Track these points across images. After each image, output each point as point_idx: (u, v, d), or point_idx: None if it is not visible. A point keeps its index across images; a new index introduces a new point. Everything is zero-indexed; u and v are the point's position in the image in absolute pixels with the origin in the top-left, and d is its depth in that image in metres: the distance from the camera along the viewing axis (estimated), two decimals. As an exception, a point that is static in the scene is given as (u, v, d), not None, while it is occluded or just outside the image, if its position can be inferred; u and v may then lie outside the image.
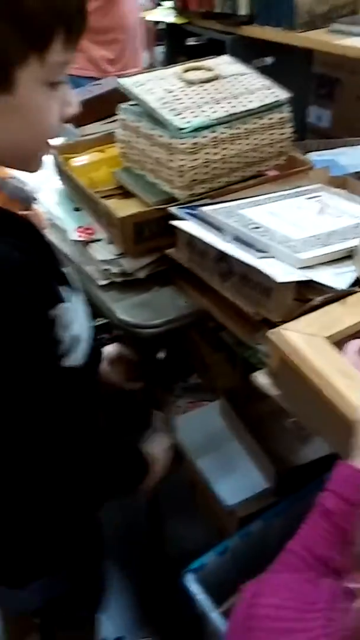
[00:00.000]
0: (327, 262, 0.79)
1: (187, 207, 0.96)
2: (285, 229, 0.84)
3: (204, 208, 0.91)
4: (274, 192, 0.98)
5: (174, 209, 0.94)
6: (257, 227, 0.84)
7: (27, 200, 0.62)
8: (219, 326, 1.54)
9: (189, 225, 0.90)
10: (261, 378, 0.74)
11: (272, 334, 0.70)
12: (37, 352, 0.63)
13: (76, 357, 0.70)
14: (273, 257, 0.79)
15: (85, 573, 0.95)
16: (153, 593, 1.41)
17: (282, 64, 1.52)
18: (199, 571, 1.07)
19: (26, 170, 0.67)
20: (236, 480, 1.28)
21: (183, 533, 1.52)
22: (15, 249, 0.60)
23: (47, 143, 0.65)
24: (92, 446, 0.78)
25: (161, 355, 1.72)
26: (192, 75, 1.07)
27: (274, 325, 0.75)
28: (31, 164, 0.66)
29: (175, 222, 0.93)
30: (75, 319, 0.70)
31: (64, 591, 0.91)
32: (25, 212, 0.64)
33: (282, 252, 0.78)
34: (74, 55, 0.60)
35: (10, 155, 0.63)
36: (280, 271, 0.75)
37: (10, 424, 0.64)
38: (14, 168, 0.67)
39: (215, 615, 1.01)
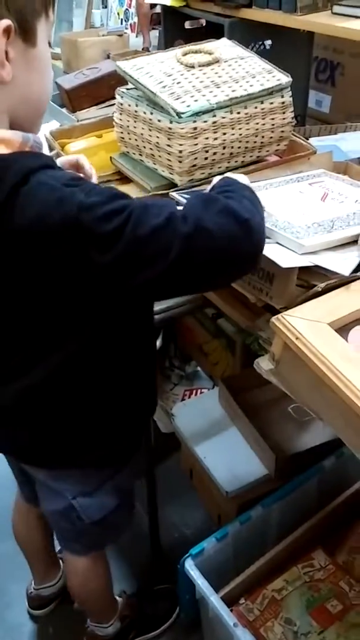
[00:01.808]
0: (331, 247, 0.79)
1: (188, 193, 0.95)
2: (288, 215, 0.83)
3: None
4: (276, 177, 0.97)
5: (174, 194, 0.93)
6: (259, 213, 0.83)
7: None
8: (217, 313, 1.55)
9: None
10: (264, 364, 0.74)
11: (275, 320, 0.70)
12: None
13: None
14: (276, 242, 0.78)
15: (132, 478, 1.02)
16: (151, 578, 1.42)
17: (281, 47, 1.51)
18: (199, 556, 1.08)
19: (31, 132, 0.68)
20: (235, 467, 1.29)
21: (181, 519, 1.53)
22: None
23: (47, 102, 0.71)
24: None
25: (158, 342, 1.72)
26: (192, 59, 1.06)
27: (276, 311, 0.75)
28: (37, 124, 0.70)
29: (173, 194, 0.92)
30: None
31: (123, 496, 0.98)
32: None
33: (285, 238, 0.78)
34: None
35: (27, 111, 0.66)
36: (284, 257, 0.74)
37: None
38: (22, 130, 0.68)
39: (214, 600, 1.02)
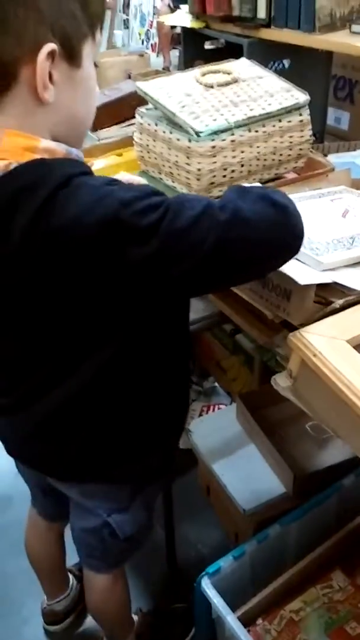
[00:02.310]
0: (350, 264, 0.78)
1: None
2: (308, 230, 0.83)
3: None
4: (295, 194, 0.97)
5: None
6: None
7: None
8: (235, 329, 1.55)
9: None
10: (281, 381, 0.74)
11: (293, 336, 0.70)
12: None
13: None
14: (295, 259, 0.78)
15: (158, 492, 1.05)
16: (168, 596, 1.41)
17: (300, 66, 1.52)
18: (215, 575, 1.07)
19: (75, 147, 0.69)
20: (253, 484, 1.28)
21: (197, 537, 1.52)
22: None
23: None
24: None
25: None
26: (211, 79, 1.07)
27: (294, 328, 0.75)
28: (79, 142, 0.71)
29: None
30: None
31: (150, 509, 1.00)
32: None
33: (304, 255, 0.78)
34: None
35: (69, 130, 0.67)
36: (302, 273, 0.74)
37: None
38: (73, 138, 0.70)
39: (231, 619, 1.01)
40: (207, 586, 1.05)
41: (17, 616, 1.41)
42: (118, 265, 0.59)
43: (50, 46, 0.59)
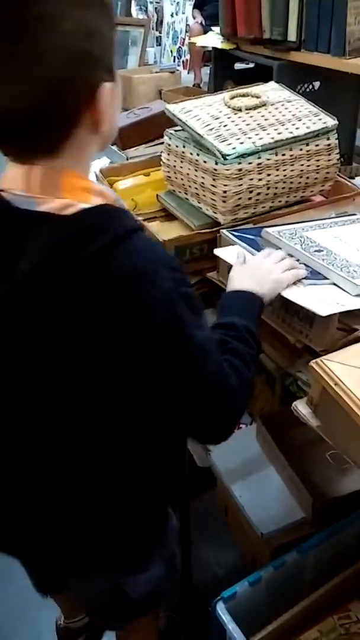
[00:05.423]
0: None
1: (240, 230, 0.95)
2: (347, 253, 0.82)
3: (269, 229, 0.89)
4: (337, 218, 0.96)
5: (225, 232, 0.94)
6: (319, 250, 0.83)
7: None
8: (257, 349, 1.54)
9: (229, 254, 0.89)
10: (302, 407, 0.73)
11: (315, 364, 0.69)
12: None
13: None
14: (332, 283, 0.78)
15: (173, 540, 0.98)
16: (182, 620, 1.39)
17: (329, 88, 1.52)
18: (231, 600, 1.05)
19: (104, 148, 0.70)
20: (271, 508, 1.26)
21: (214, 559, 1.50)
22: None
23: None
24: None
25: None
26: (239, 102, 1.08)
27: (316, 353, 0.74)
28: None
29: (217, 251, 0.93)
30: None
31: (166, 575, 0.93)
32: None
33: (341, 278, 0.77)
34: None
35: (111, 134, 0.67)
36: (324, 302, 0.74)
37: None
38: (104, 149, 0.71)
39: (246, 647, 0.99)
40: (222, 611, 1.03)
41: (30, 632, 1.40)
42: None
43: (109, 85, 0.60)
